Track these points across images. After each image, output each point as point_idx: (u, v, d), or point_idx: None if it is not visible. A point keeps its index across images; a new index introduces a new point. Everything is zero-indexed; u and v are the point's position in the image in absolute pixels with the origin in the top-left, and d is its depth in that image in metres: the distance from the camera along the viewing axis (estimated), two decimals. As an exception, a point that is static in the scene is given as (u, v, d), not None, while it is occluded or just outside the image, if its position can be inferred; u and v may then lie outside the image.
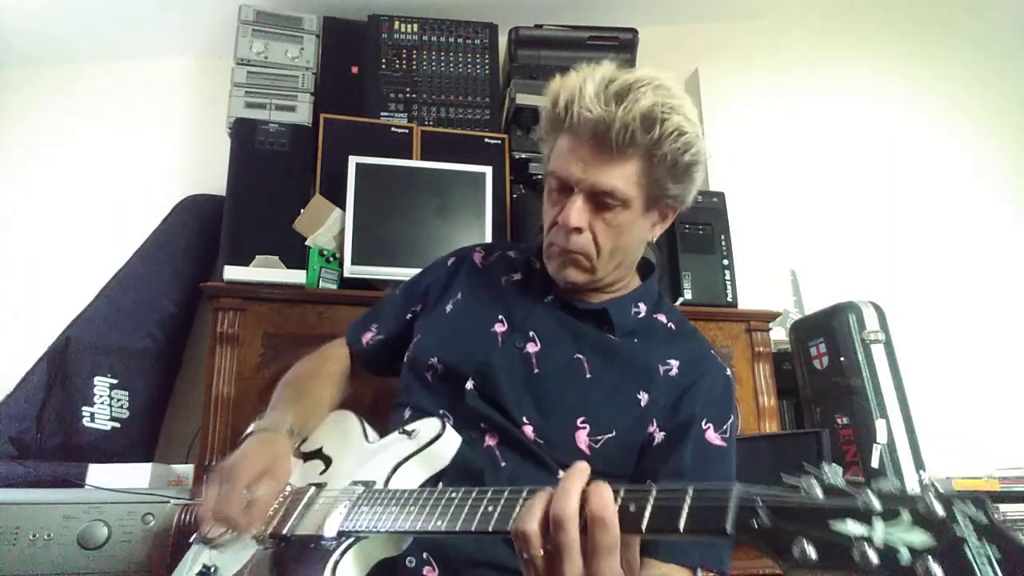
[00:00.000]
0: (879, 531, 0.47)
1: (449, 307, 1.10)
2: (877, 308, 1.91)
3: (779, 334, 2.13)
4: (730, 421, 0.97)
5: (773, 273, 2.33)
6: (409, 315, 1.18)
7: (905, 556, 0.45)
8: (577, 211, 0.94)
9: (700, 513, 0.55)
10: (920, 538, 0.45)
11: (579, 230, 0.95)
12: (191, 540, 0.94)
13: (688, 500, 0.57)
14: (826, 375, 1.92)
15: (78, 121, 2.16)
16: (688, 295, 1.97)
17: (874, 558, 0.45)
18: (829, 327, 1.93)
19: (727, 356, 1.89)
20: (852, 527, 0.48)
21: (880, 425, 1.75)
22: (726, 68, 2.59)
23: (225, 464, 0.87)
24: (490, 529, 0.66)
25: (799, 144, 2.59)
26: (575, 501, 0.60)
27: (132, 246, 1.90)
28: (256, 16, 2.07)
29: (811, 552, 0.48)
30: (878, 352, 1.85)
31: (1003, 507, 1.90)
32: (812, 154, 2.59)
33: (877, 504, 0.48)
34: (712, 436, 0.94)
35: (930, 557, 0.44)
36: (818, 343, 1.96)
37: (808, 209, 2.51)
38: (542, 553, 0.60)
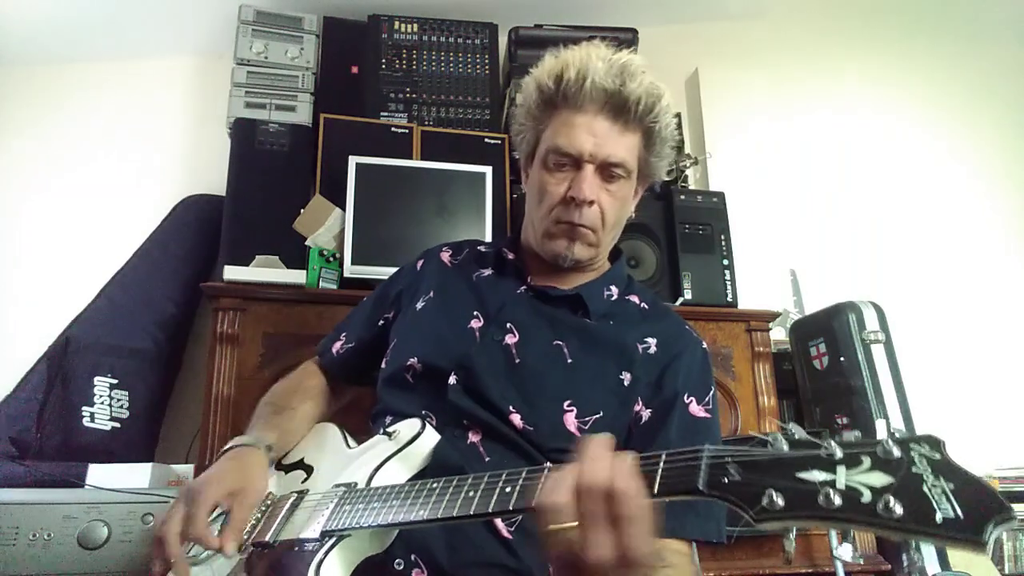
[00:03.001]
0: (841, 476, 0.49)
1: (420, 304, 1.10)
2: (877, 308, 1.92)
3: (779, 334, 2.13)
4: (711, 393, 0.99)
5: (773, 273, 2.33)
6: (381, 321, 1.16)
7: (866, 496, 0.47)
8: (589, 184, 0.97)
9: (673, 475, 0.57)
10: (880, 479, 0.48)
11: (592, 202, 0.98)
12: None
13: (661, 464, 0.58)
14: (826, 375, 1.92)
15: (78, 121, 2.15)
16: (688, 295, 1.97)
17: (837, 500, 0.48)
18: (829, 327, 1.93)
19: (727, 356, 1.89)
20: (817, 475, 0.50)
21: (880, 425, 1.75)
22: (726, 68, 2.59)
23: (194, 483, 0.86)
24: (471, 512, 0.66)
25: (799, 144, 2.59)
26: (605, 467, 0.58)
27: (132, 246, 1.90)
28: (256, 16, 2.07)
29: (779, 500, 0.50)
30: (878, 352, 1.85)
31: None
32: (812, 154, 2.59)
33: (839, 452, 0.50)
34: (696, 409, 0.95)
35: (890, 495, 0.46)
36: (818, 343, 1.96)
37: (808, 209, 2.51)
38: (575, 524, 0.57)
